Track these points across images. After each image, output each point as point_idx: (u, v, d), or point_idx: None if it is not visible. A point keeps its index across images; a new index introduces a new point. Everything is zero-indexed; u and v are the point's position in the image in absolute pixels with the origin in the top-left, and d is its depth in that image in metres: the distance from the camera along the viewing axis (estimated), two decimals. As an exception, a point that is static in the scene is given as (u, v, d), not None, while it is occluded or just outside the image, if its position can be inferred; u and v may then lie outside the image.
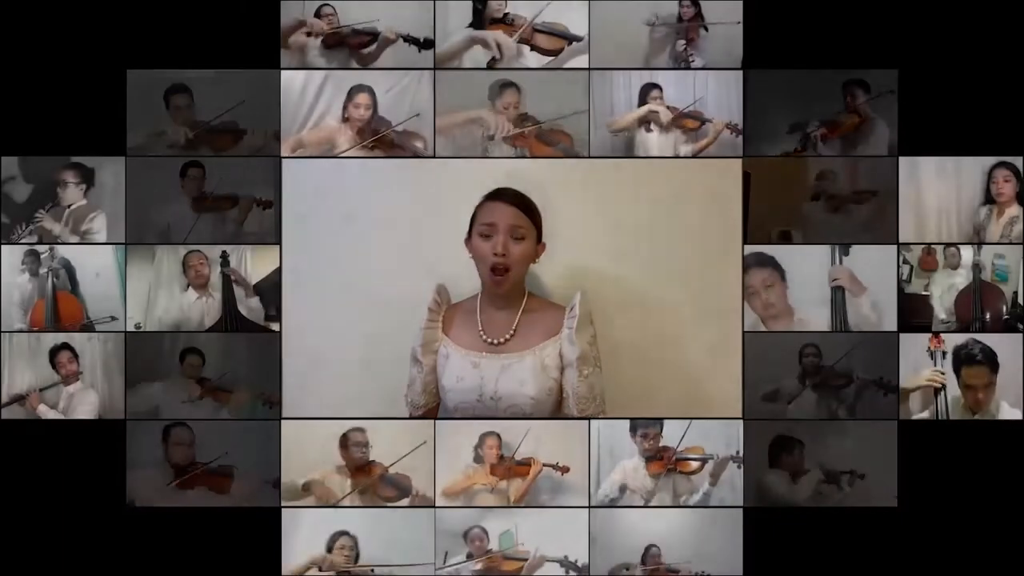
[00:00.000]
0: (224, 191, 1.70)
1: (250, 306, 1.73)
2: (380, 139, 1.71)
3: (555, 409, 1.60)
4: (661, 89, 1.73)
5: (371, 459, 1.69)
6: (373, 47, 1.72)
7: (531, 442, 1.66)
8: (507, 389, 1.56)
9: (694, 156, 1.73)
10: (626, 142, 1.74)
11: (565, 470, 1.67)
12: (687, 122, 1.73)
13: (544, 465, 1.67)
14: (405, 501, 1.68)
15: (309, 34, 1.71)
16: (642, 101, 1.73)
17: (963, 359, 1.66)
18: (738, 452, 1.66)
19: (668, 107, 1.73)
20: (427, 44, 1.70)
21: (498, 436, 1.67)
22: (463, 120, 1.71)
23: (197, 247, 1.71)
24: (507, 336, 1.59)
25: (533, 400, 1.56)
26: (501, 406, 1.58)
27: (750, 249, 1.70)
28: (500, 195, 1.58)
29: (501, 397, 1.57)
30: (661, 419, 1.68)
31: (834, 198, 1.69)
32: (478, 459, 1.69)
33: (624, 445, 1.68)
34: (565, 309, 1.60)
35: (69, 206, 1.71)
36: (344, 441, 1.69)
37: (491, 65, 1.71)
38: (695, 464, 1.67)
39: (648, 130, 1.74)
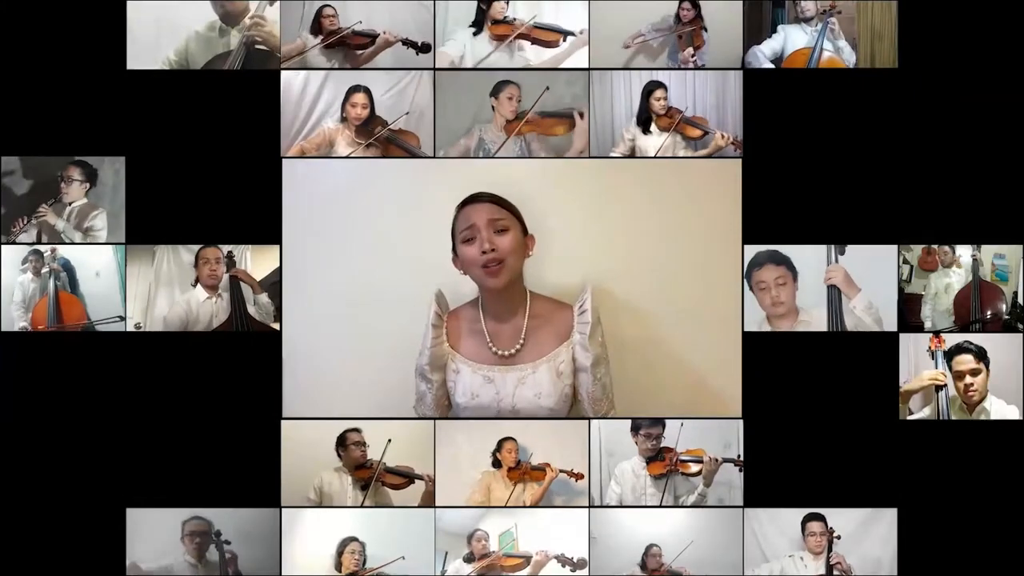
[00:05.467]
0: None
1: (260, 306, 1.72)
2: (376, 138, 1.71)
3: (567, 412, 1.59)
4: (666, 88, 1.72)
5: (369, 458, 1.67)
6: (370, 49, 1.71)
7: (540, 446, 1.67)
8: (525, 402, 1.55)
9: (693, 156, 1.73)
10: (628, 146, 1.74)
11: (580, 477, 1.66)
12: (689, 129, 1.72)
13: (560, 472, 1.66)
14: (415, 488, 1.67)
15: (315, 33, 1.71)
16: (645, 99, 1.72)
17: (952, 351, 1.66)
18: (739, 456, 1.66)
19: (671, 108, 1.72)
20: (424, 48, 1.70)
21: (515, 440, 1.66)
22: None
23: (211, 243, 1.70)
24: (517, 346, 1.57)
25: (551, 411, 1.55)
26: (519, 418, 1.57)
27: (759, 247, 1.69)
28: (471, 199, 1.56)
29: (520, 411, 1.55)
30: (662, 419, 1.68)
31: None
32: (496, 463, 1.67)
33: (624, 445, 1.68)
34: (572, 307, 1.58)
35: (71, 203, 1.71)
36: (343, 441, 1.68)
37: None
38: (695, 467, 1.67)
39: (647, 131, 1.74)
